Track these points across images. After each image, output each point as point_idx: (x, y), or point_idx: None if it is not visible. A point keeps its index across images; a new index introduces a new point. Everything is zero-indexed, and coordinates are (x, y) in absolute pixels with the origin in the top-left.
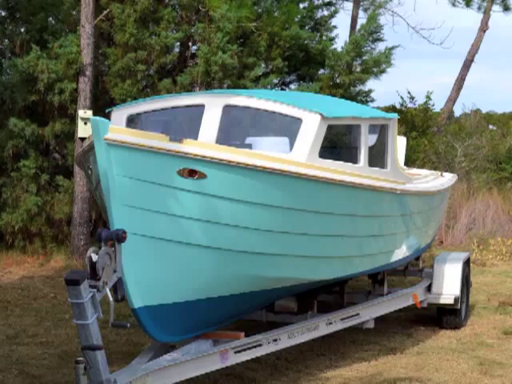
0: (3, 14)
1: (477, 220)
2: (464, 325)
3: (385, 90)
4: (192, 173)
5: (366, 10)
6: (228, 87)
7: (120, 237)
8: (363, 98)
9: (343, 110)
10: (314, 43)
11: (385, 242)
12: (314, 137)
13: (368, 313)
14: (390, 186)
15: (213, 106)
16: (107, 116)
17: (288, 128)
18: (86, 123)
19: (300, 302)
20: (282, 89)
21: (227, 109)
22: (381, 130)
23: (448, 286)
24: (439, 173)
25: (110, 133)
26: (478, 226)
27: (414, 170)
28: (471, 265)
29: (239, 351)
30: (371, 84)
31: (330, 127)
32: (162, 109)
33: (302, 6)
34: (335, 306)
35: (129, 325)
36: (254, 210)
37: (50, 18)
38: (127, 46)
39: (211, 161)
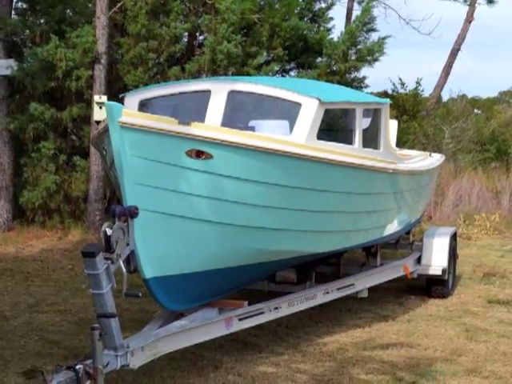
0: (24, 6)
1: (463, 197)
2: (451, 294)
3: (378, 76)
4: (199, 153)
5: (360, 3)
6: (232, 74)
7: (132, 213)
8: (358, 84)
9: (339, 95)
10: (312, 33)
11: (378, 217)
12: (312, 120)
13: (362, 283)
14: (382, 166)
15: (218, 91)
16: (121, 101)
17: (288, 112)
18: (101, 107)
19: (299, 273)
20: (283, 76)
21: (232, 94)
22: (374, 114)
23: (436, 258)
24: (428, 153)
25: (124, 116)
26: (464, 202)
27: (405, 151)
28: (458, 238)
29: (243, 319)
30: (365, 71)
31: (327, 111)
32: (172, 94)
33: None
34: (332, 277)
35: (140, 294)
36: (256, 188)
37: (68, 10)
38: (139, 36)
39: (217, 142)
